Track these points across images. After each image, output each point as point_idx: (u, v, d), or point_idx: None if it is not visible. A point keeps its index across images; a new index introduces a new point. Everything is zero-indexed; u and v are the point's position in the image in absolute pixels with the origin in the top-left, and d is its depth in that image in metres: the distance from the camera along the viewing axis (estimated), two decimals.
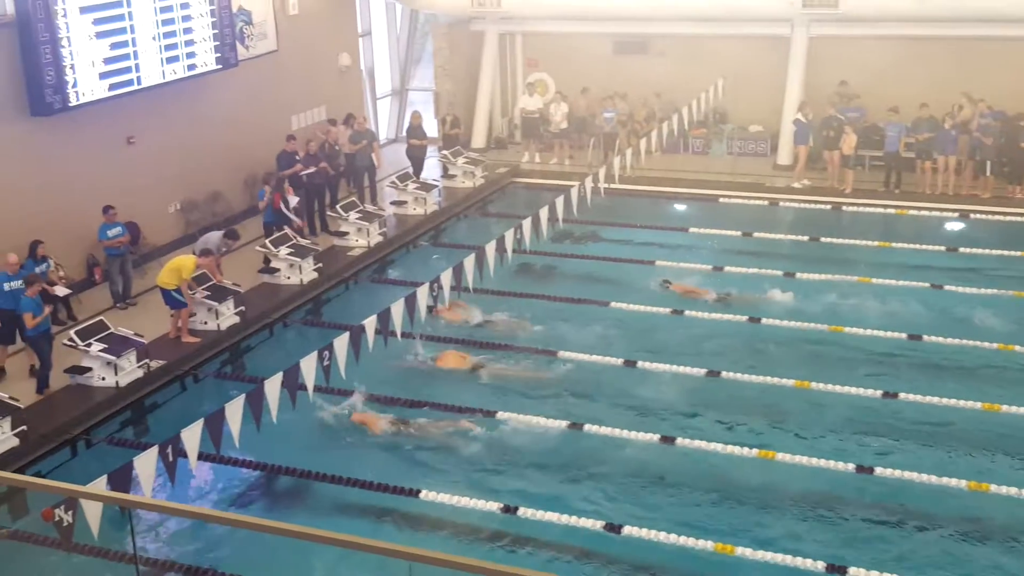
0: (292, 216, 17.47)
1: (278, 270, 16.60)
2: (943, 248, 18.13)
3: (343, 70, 22.34)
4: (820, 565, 9.98)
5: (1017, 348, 14.16)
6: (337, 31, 22.22)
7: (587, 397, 13.45)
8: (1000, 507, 10.96)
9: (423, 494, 11.32)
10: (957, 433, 12.38)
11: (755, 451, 11.93)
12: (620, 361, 14.19)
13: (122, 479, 9.37)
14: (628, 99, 22.97)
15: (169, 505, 6.37)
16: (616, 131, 22.48)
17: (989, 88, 20.42)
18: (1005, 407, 12.67)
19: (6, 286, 13.49)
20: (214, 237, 15.93)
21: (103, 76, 15.89)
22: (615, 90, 22.79)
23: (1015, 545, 10.44)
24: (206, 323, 14.97)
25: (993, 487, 11.12)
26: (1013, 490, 11.08)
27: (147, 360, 13.83)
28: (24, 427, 12.21)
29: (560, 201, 16.50)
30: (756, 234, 18.83)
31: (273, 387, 10.93)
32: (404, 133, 22.95)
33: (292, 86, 20.64)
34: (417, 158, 21.47)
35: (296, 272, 16.61)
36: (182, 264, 14.49)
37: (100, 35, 15.75)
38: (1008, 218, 19.36)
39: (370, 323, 12.27)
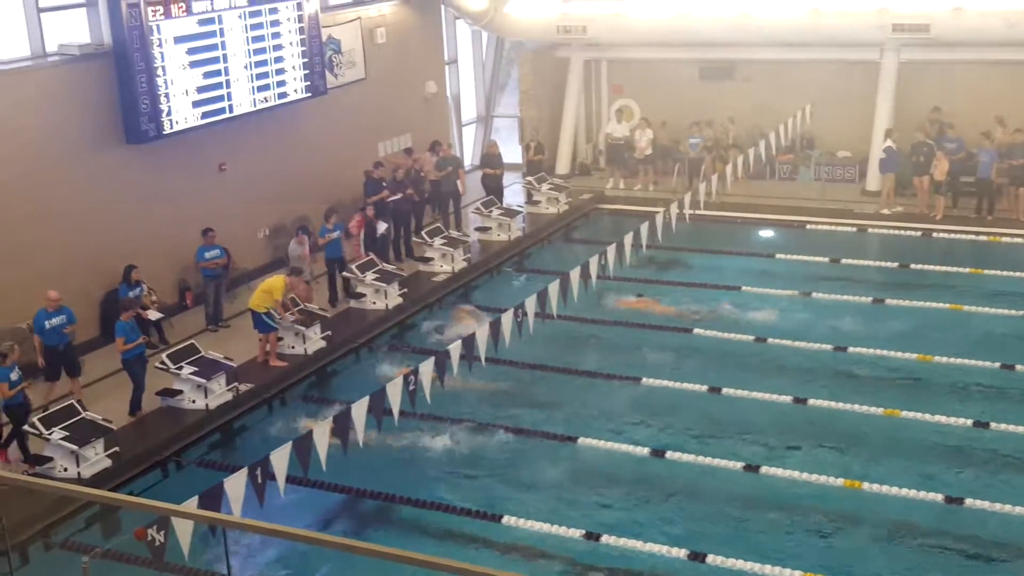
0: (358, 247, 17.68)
1: (364, 295, 16.80)
2: None
3: (429, 97, 22.61)
4: None
5: None
6: (424, 59, 22.51)
7: (669, 422, 13.36)
8: None
9: (505, 519, 11.32)
10: None
11: (841, 480, 11.70)
12: (704, 388, 14.05)
13: (213, 499, 9.53)
14: (714, 125, 22.82)
15: (258, 524, 6.45)
16: (702, 157, 22.33)
17: None
18: None
19: (47, 323, 13.37)
20: (295, 249, 16.10)
21: (196, 104, 16.32)
22: (701, 116, 22.67)
23: None
24: (293, 347, 15.20)
25: None
26: None
27: (236, 383, 14.08)
28: (116, 448, 12.53)
29: (644, 227, 16.43)
30: (844, 260, 18.52)
31: (360, 411, 11.04)
32: (479, 162, 22.99)
33: (379, 113, 20.95)
34: (492, 188, 21.57)
35: (382, 297, 16.79)
36: (273, 286, 14.75)
37: (194, 64, 16.19)
38: None
39: (455, 348, 12.33)
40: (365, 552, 5.89)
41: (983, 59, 20.74)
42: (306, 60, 18.19)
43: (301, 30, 18.08)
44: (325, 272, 17.27)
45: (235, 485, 9.76)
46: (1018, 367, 14.11)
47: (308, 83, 18.33)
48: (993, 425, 12.70)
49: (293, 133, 18.83)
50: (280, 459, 10.22)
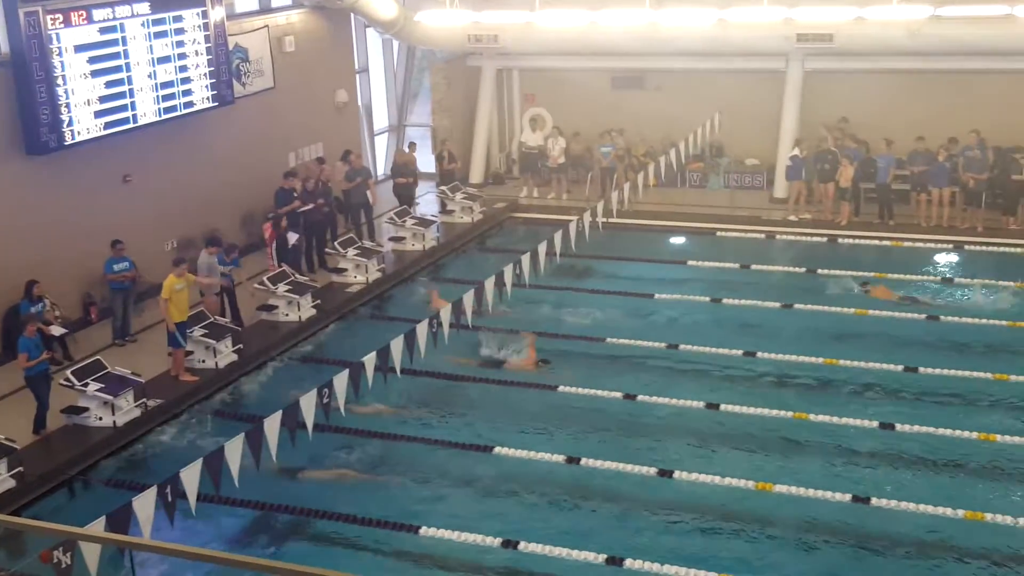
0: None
1: (276, 307, 16.57)
2: (938, 279, 18.24)
3: (340, 106, 22.42)
4: None
5: (1011, 378, 14.13)
6: (334, 67, 22.32)
7: (584, 429, 13.43)
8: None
9: (423, 531, 11.25)
10: (959, 464, 12.33)
11: (752, 482, 11.89)
12: (619, 395, 14.16)
13: (121, 520, 9.29)
14: (625, 134, 23.06)
15: (168, 546, 6.31)
16: (614, 166, 22.55)
17: (981, 121, 20.51)
18: (1000, 437, 12.69)
19: None
20: (201, 259, 15.81)
21: (99, 114, 15.92)
22: (613, 125, 22.90)
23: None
24: (204, 361, 14.91)
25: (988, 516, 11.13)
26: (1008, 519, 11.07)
27: (144, 399, 13.76)
28: (21, 468, 12.13)
29: (559, 236, 16.51)
30: (754, 266, 18.88)
31: (273, 425, 10.88)
32: (389, 171, 22.77)
33: (289, 123, 20.71)
34: (404, 196, 21.48)
35: (294, 309, 16.58)
36: (164, 285, 14.37)
37: (96, 73, 15.79)
38: (1002, 249, 19.40)
39: (370, 360, 12.23)
40: (282, 572, 5.80)
41: (887, 68, 21.35)
42: (212, 69, 17.90)
43: (207, 38, 17.77)
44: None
45: (144, 504, 9.53)
46: (921, 369, 14.51)
47: (215, 92, 18.03)
48: (898, 426, 13.03)
49: (200, 143, 18.51)
50: (191, 476, 10.01)
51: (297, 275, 17.20)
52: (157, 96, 16.91)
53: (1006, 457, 12.38)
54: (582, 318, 16.97)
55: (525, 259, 15.54)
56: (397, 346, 12.69)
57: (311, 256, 18.96)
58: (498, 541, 11.00)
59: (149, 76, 16.72)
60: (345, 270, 18.27)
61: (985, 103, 20.95)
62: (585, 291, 18.25)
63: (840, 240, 20.25)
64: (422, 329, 13.14)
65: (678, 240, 21.12)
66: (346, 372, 11.90)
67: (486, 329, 15.77)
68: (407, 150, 22.40)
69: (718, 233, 20.94)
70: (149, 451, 13.52)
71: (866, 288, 17.56)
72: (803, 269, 18.74)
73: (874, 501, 11.44)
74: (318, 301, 17.07)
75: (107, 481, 12.68)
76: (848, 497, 11.52)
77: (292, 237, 17.85)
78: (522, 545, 10.90)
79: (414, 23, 22.89)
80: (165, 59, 17.00)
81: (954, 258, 19.38)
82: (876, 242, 20.06)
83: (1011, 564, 10.48)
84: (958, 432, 12.79)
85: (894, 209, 20.47)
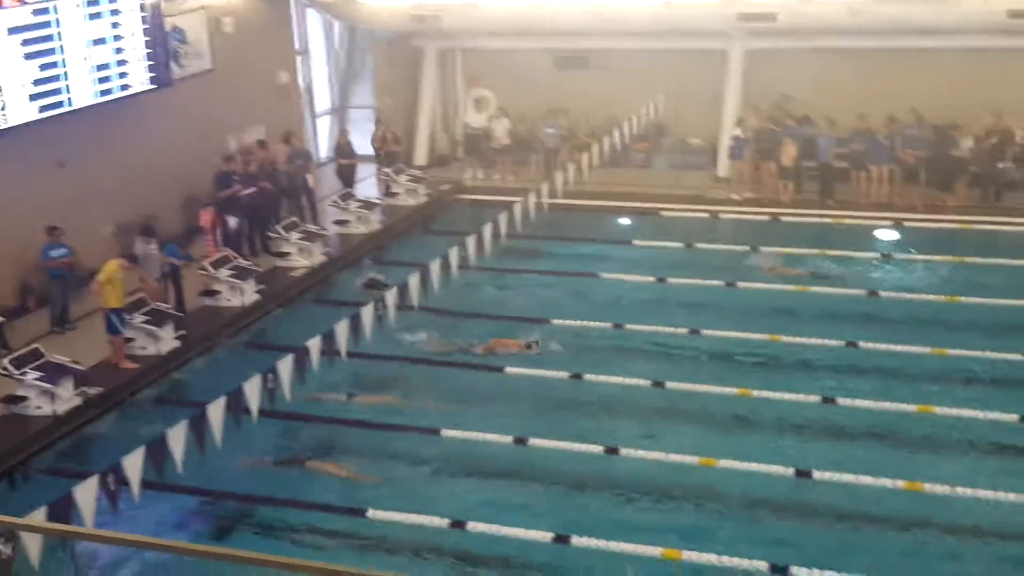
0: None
1: (219, 292, 16.38)
2: (877, 255, 18.52)
3: (281, 88, 22.16)
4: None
5: (949, 352, 14.40)
6: (274, 49, 22.05)
7: (532, 410, 13.47)
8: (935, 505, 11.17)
9: (370, 513, 11.23)
10: (895, 435, 12.56)
11: (696, 458, 12.01)
12: (566, 375, 14.21)
13: (62, 510, 9.16)
14: (570, 115, 23.07)
15: (111, 535, 6.22)
16: (559, 146, 22.54)
17: (920, 99, 20.82)
18: (939, 408, 12.92)
19: None
20: (137, 248, 15.61)
21: (33, 98, 15.58)
22: (557, 106, 22.89)
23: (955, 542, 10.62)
24: (145, 348, 14.71)
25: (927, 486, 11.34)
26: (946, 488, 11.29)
27: (85, 387, 13.54)
28: None
29: (504, 217, 16.50)
30: (698, 245, 19.02)
31: (217, 411, 10.77)
32: (332, 152, 22.57)
33: (229, 105, 20.42)
34: (346, 177, 21.32)
35: (237, 294, 16.40)
36: (103, 270, 14.17)
37: (29, 56, 15.44)
38: (940, 225, 19.74)
39: (314, 344, 12.15)
40: (227, 558, 5.74)
41: (829, 47, 21.55)
42: (149, 51, 17.57)
43: (143, 20, 17.44)
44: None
45: (86, 493, 9.40)
46: (861, 344, 14.73)
47: (152, 75, 17.71)
48: (839, 400, 13.23)
49: (138, 127, 18.18)
50: (133, 464, 9.90)
51: (240, 260, 17.01)
52: (93, 79, 16.59)
53: (942, 428, 12.63)
54: (528, 299, 16.99)
55: (470, 241, 15.52)
56: (342, 330, 12.62)
57: (253, 240, 18.76)
58: (446, 522, 10.99)
59: (84, 59, 16.39)
60: (289, 254, 18.10)
61: (924, 81, 21.22)
62: (531, 272, 18.28)
63: (782, 219, 20.46)
64: (367, 312, 13.08)
65: (623, 220, 21.21)
66: (291, 357, 11.81)
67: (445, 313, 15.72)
68: (340, 135, 22.24)
69: (662, 213, 21.05)
70: (90, 439, 13.32)
71: (772, 268, 17.68)
72: (746, 247, 18.91)
73: (816, 474, 11.60)
74: (262, 286, 16.90)
75: (48, 471, 12.48)
76: (791, 471, 11.68)
77: (232, 221, 17.63)
78: (470, 525, 10.91)
79: (355, 3, 22.69)
80: (100, 41, 16.66)
81: (894, 235, 19.69)
82: (817, 220, 20.31)
83: (949, 532, 10.70)
84: (897, 405, 13.01)
85: (835, 187, 20.73)
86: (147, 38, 17.52)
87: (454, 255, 15.05)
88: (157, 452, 10.16)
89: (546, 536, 10.68)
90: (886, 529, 10.84)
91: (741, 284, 17.10)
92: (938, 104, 20.87)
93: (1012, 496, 11.01)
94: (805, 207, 20.60)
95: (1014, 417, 12.58)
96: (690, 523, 11.12)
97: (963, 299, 16.16)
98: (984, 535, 10.63)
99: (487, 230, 16.01)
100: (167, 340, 14.89)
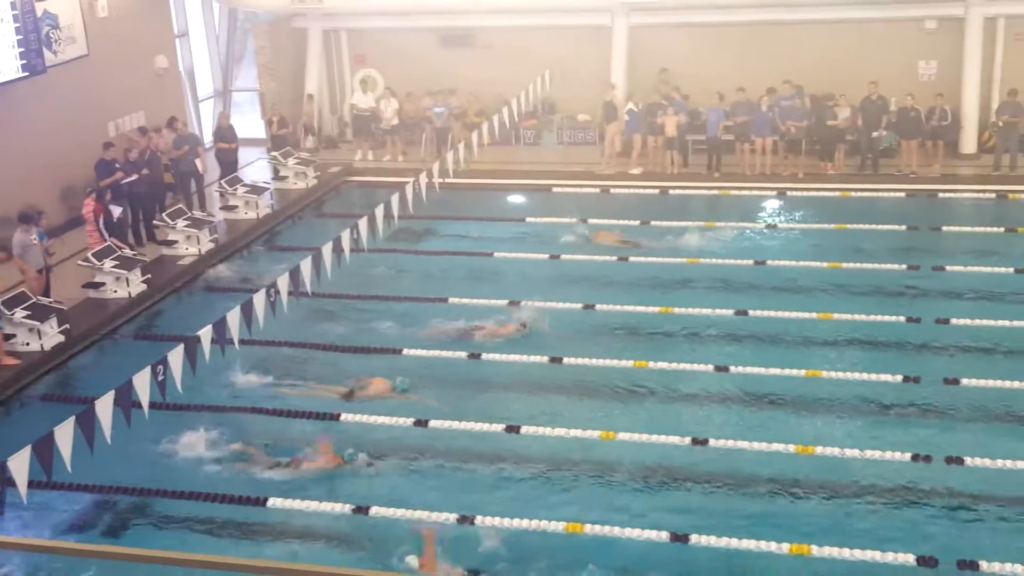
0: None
1: (103, 284, 15.90)
2: (763, 225, 18.98)
3: (160, 73, 21.56)
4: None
5: (835, 316, 14.85)
6: (152, 32, 21.43)
7: (431, 392, 13.45)
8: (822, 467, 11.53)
9: (270, 502, 11.08)
10: (788, 401, 12.91)
11: (598, 432, 12.15)
12: (464, 355, 14.22)
13: None
14: (458, 93, 22.99)
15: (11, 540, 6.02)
16: (449, 126, 22.46)
17: (799, 70, 21.35)
18: (826, 373, 13.32)
19: None
20: (16, 238, 15.03)
21: None
22: (445, 85, 22.79)
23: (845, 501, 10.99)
24: (28, 344, 14.21)
25: (818, 449, 11.68)
26: (835, 450, 11.66)
27: None
28: None
29: (395, 198, 16.39)
30: (591, 220, 19.19)
31: (105, 407, 10.46)
32: (212, 137, 22.11)
33: (107, 91, 19.79)
34: (227, 162, 20.90)
35: (123, 285, 15.95)
36: None
37: None
38: (821, 194, 20.32)
39: (205, 334, 11.89)
40: (124, 558, 5.61)
41: (709, 22, 21.91)
42: (20, 37, 16.91)
43: (12, 5, 16.76)
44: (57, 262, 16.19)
45: None
46: (751, 312, 15.08)
47: (24, 62, 17.05)
48: (732, 368, 13.53)
49: (12, 115, 17.51)
50: (19, 465, 9.54)
51: (124, 249, 16.54)
52: None
53: (830, 392, 13.01)
54: (423, 280, 16.93)
55: (362, 223, 15.37)
56: (234, 318, 12.37)
57: (138, 229, 18.26)
58: (349, 508, 10.93)
59: None
60: (176, 242, 17.67)
61: (803, 54, 21.77)
62: (425, 253, 18.22)
63: (671, 192, 20.80)
64: (259, 299, 12.85)
65: (515, 198, 21.27)
66: (181, 347, 11.54)
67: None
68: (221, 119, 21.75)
69: (554, 189, 21.18)
70: None
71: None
72: (637, 222, 19.15)
73: (712, 442, 11.86)
74: (148, 275, 16.47)
75: None
76: (688, 440, 11.92)
77: (116, 210, 17.12)
78: (373, 510, 10.87)
79: None
80: None
81: (777, 204, 20.19)
82: (705, 192, 20.71)
83: (841, 494, 11.04)
84: (787, 370, 13.37)
85: (722, 159, 21.14)
86: (17, 24, 16.85)
87: (346, 238, 14.87)
88: (44, 451, 9.82)
89: (451, 518, 10.68)
90: (781, 493, 11.13)
91: (633, 258, 17.33)
92: (815, 75, 21.44)
93: (897, 455, 11.43)
94: (693, 180, 20.98)
95: (898, 378, 13.05)
96: (591, 495, 11.23)
97: (844, 265, 16.69)
98: (870, 493, 11.00)
99: (379, 212, 15.86)
100: (51, 335, 14.41)
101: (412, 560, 10.00)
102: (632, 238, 18.32)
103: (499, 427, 12.39)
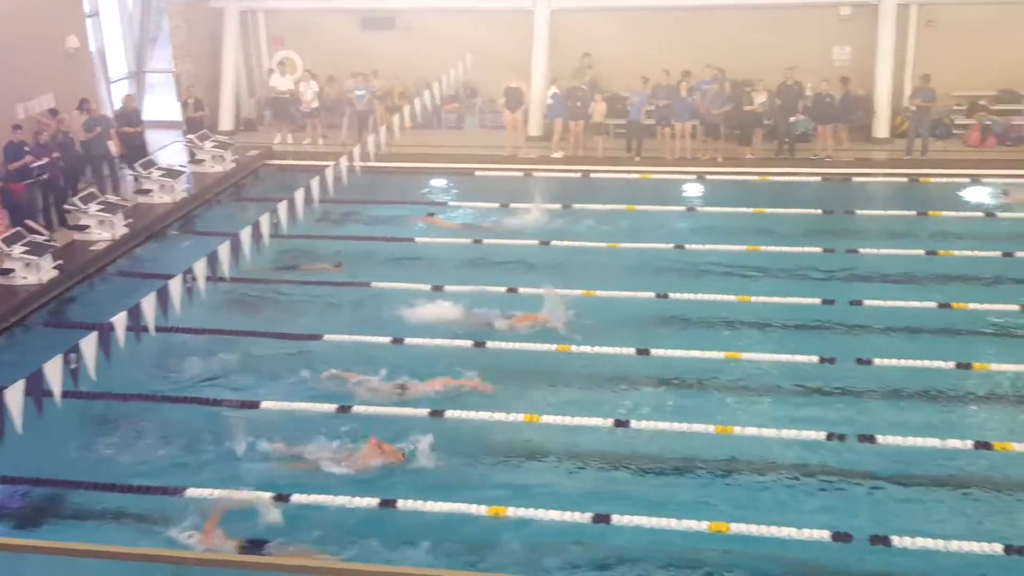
0: None
1: (12, 271, 15.46)
2: (683, 208, 19.18)
3: (70, 53, 20.98)
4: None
5: (753, 299, 15.08)
6: (60, 12, 20.80)
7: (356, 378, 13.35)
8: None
9: (189, 491, 10.90)
10: (708, 382, 13.10)
11: (522, 416, 12.18)
12: (388, 339, 14.13)
13: None
14: (379, 75, 22.80)
15: None
16: (370, 108, 22.27)
17: (718, 56, 21.59)
18: (745, 354, 13.52)
19: None
20: None
21: None
22: (365, 67, 22.58)
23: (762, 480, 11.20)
24: None
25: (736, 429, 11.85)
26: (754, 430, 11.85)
27: None
28: None
29: (316, 182, 16.21)
30: (513, 204, 19.20)
31: (15, 396, 10.20)
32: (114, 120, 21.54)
33: (13, 73, 19.16)
34: (133, 146, 20.41)
35: (33, 271, 15.52)
36: None
37: None
38: (740, 178, 20.61)
39: (119, 320, 11.65)
40: (32, 550, 5.47)
41: (630, 6, 22.03)
42: None
43: None
44: None
45: None
46: (671, 295, 15.24)
47: None
48: (652, 351, 13.65)
49: None
50: None
51: (34, 235, 16.09)
52: None
53: (748, 372, 13.23)
54: (344, 265, 16.78)
55: (282, 207, 15.18)
56: (149, 304, 12.15)
57: (49, 214, 17.78)
58: (268, 495, 10.77)
59: None
60: (88, 227, 17.25)
61: (722, 39, 22.03)
62: (345, 238, 18.05)
63: (592, 175, 20.90)
64: (175, 285, 12.63)
65: (437, 181, 21.19)
66: (95, 335, 11.29)
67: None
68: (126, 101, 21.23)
69: (476, 173, 21.14)
70: None
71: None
72: (559, 205, 19.21)
73: (633, 423, 11.98)
74: (60, 261, 16.05)
75: None
76: (610, 422, 12.01)
77: (24, 194, 16.63)
78: (294, 498, 10.75)
79: None
80: None
81: (697, 187, 20.43)
82: (626, 176, 20.85)
83: (757, 471, 11.24)
84: (707, 352, 13.54)
85: (643, 143, 21.30)
86: None
87: (265, 222, 14.67)
88: None
89: (373, 502, 10.64)
90: (699, 472, 11.29)
91: (555, 242, 17.39)
92: (734, 61, 21.72)
93: (812, 434, 11.66)
94: (614, 164, 21.11)
95: (814, 359, 13.31)
96: (515, 477, 11.27)
97: (762, 248, 16.94)
98: (786, 471, 11.22)
99: (299, 196, 15.68)
100: None
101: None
102: (555, 221, 18.38)
103: (423, 412, 12.29)
